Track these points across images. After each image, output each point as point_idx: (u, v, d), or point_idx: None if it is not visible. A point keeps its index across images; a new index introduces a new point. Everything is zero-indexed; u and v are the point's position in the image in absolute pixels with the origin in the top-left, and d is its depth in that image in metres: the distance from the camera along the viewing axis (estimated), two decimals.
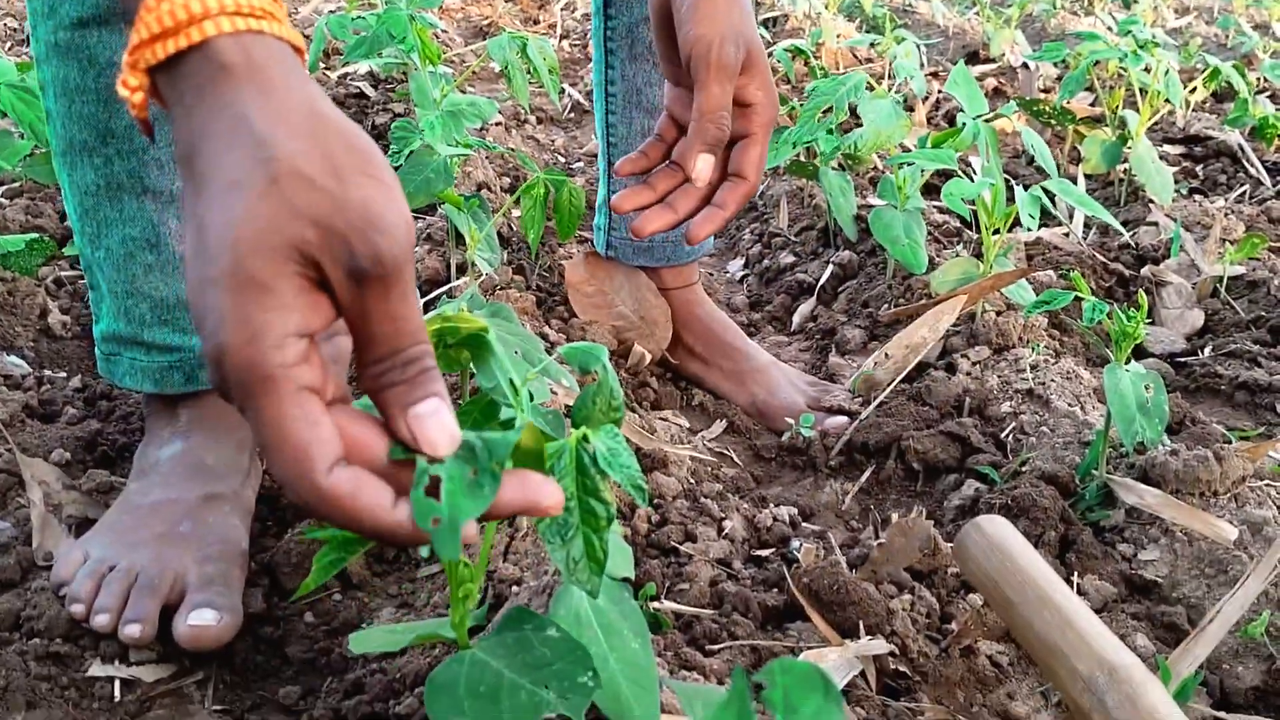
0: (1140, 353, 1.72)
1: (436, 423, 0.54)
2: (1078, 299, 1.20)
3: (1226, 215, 1.93)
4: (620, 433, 0.81)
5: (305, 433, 0.50)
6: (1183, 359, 1.69)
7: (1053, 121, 2.24)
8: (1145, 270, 1.82)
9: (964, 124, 1.58)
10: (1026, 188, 1.46)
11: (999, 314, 1.50)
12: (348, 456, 0.54)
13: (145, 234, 1.10)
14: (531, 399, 0.88)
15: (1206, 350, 1.69)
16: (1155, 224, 1.96)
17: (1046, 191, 1.46)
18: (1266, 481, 1.16)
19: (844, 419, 1.43)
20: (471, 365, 0.89)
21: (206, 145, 0.53)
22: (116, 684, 0.99)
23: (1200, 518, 1.10)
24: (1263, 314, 1.72)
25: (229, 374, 0.50)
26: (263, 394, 0.50)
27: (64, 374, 1.44)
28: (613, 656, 0.81)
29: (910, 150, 1.61)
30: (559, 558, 0.75)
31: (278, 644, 1.07)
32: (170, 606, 1.02)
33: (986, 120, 1.61)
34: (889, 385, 1.44)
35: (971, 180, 1.47)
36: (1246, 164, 2.34)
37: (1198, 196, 2.12)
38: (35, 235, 1.54)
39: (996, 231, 1.51)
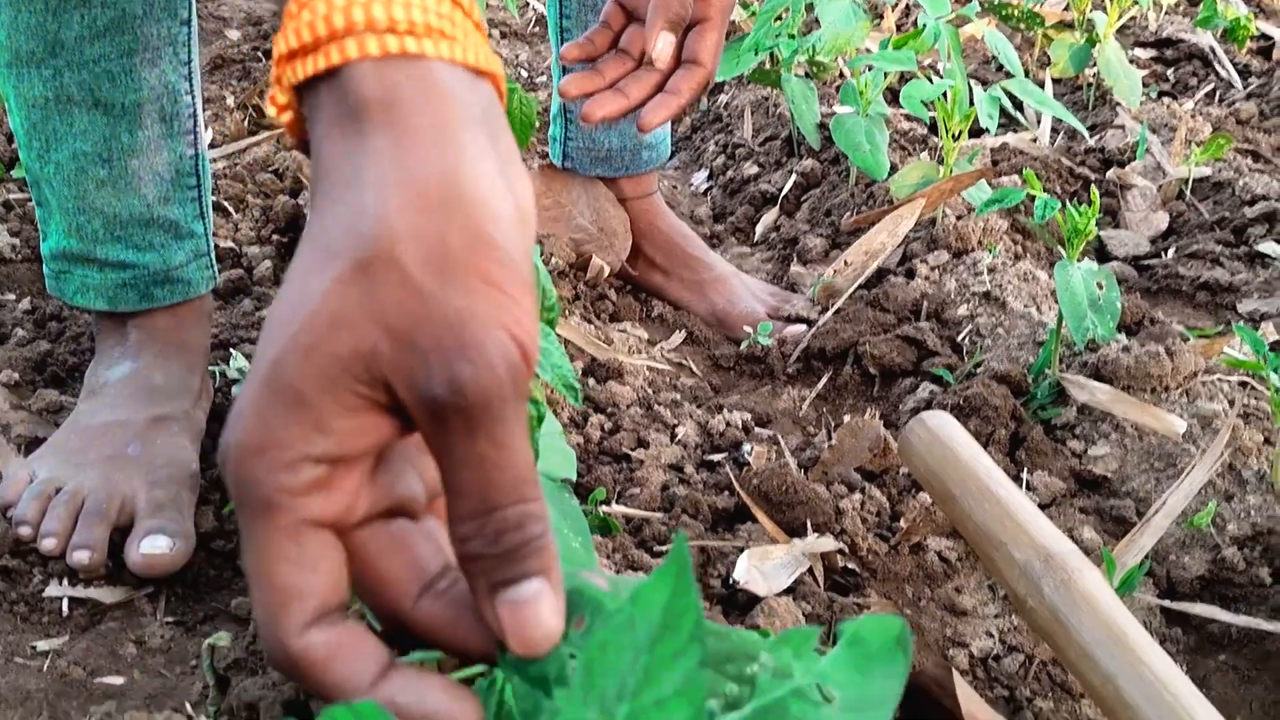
0: (1104, 256, 1.72)
1: (531, 615, 0.41)
2: (1031, 197, 1.18)
3: (1193, 117, 1.91)
4: (552, 333, 0.80)
5: (288, 577, 0.41)
6: (1146, 261, 1.68)
7: (1021, 25, 2.20)
8: (1110, 174, 1.81)
9: (925, 25, 1.55)
10: None
11: (959, 218, 1.49)
12: (372, 593, 0.44)
13: (97, 149, 1.07)
14: None
15: (1170, 252, 1.68)
16: (1122, 127, 1.93)
17: (1010, 94, 1.44)
18: (1219, 376, 1.16)
19: (803, 327, 1.43)
20: None
21: (318, 199, 0.42)
22: (65, 600, 0.99)
23: (1150, 412, 1.10)
24: (1227, 215, 1.71)
25: (229, 478, 0.41)
26: (256, 517, 0.41)
27: (13, 296, 1.42)
28: None
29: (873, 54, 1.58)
30: None
31: (230, 556, 1.07)
32: (120, 530, 1.02)
33: (949, 22, 1.58)
34: (847, 292, 1.43)
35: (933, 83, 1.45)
36: (1218, 66, 2.31)
37: (1167, 99, 2.09)
38: None
39: (957, 136, 1.49)
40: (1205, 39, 2.36)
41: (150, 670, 0.95)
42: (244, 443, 0.41)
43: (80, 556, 0.98)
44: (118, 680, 0.93)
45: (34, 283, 1.49)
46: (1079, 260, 1.14)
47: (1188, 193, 1.79)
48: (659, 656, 0.38)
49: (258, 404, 0.41)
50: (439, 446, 0.41)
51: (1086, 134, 1.69)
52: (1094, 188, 1.17)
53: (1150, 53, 2.41)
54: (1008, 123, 2.08)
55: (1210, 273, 1.57)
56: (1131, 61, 2.32)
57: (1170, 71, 2.36)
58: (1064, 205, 1.11)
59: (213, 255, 1.20)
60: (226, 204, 1.63)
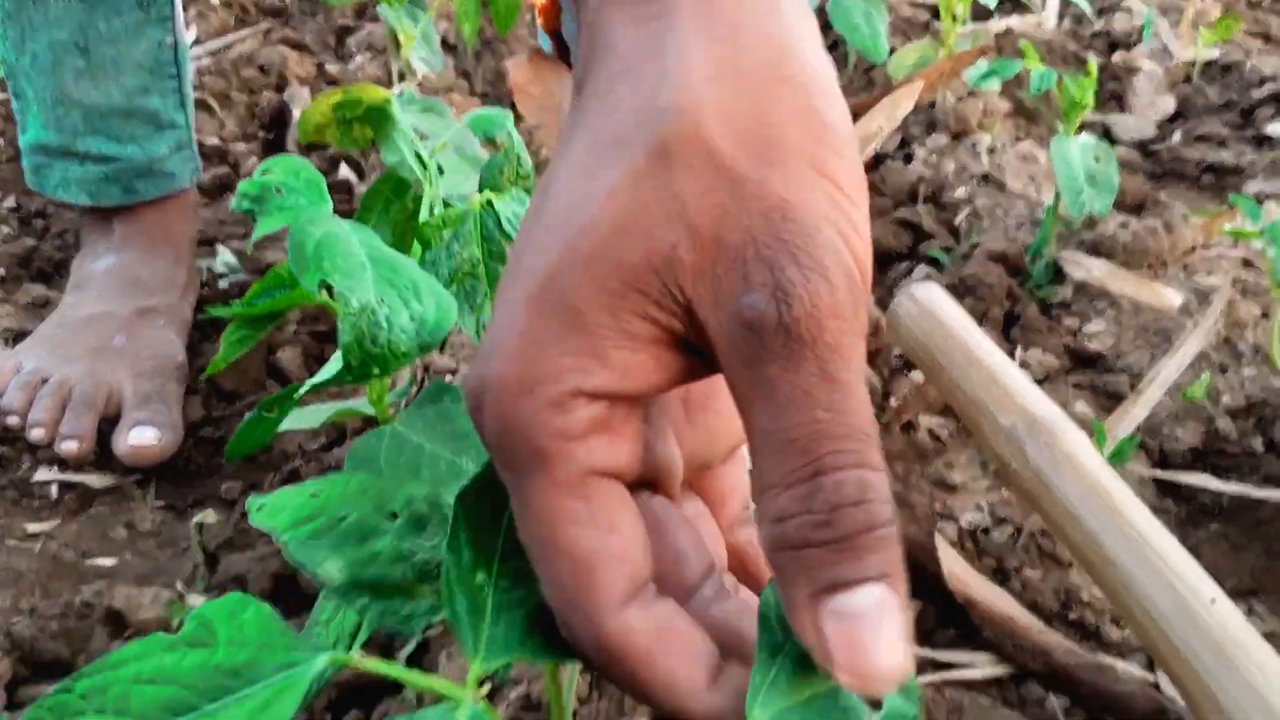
0: (1109, 140, 1.68)
1: (872, 637, 0.29)
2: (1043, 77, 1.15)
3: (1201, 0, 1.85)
4: (526, 197, 0.78)
5: (587, 542, 0.32)
6: (1152, 146, 1.65)
7: None
8: (1116, 57, 1.76)
9: None
10: None
11: (959, 100, 1.46)
12: (664, 575, 0.34)
13: (74, 38, 1.05)
14: (441, 172, 0.85)
15: (1176, 136, 1.64)
16: (1130, 10, 1.88)
17: None
18: (1218, 252, 1.14)
19: None
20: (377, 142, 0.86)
21: (597, 82, 0.33)
22: (55, 485, 1.00)
23: (1145, 286, 1.08)
24: (1234, 97, 1.67)
25: (486, 424, 0.32)
26: (530, 472, 0.32)
27: None
28: None
29: None
30: (469, 325, 0.74)
31: (218, 443, 1.07)
32: (108, 420, 1.02)
33: None
34: None
35: None
36: None
37: None
38: None
39: (957, 16, 1.45)
40: None
41: (141, 552, 0.95)
42: (506, 377, 0.31)
43: (69, 446, 0.98)
44: (109, 561, 0.93)
45: (18, 181, 1.47)
46: (1077, 135, 1.11)
47: (1195, 76, 1.74)
48: None
49: (520, 328, 0.31)
50: (749, 382, 0.30)
51: (1092, 16, 1.64)
52: (1091, 61, 1.13)
53: None
54: (1014, 6, 2.02)
55: (1216, 155, 1.54)
56: None
57: None
58: (1061, 78, 1.08)
59: (195, 147, 1.18)
60: (211, 101, 1.60)
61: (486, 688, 0.34)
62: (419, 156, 0.81)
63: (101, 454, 1.02)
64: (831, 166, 0.31)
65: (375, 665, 0.34)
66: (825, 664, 0.30)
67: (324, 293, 0.73)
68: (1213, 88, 1.73)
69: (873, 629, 0.29)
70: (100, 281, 1.12)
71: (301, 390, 0.65)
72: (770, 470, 0.30)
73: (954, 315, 0.90)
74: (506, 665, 0.35)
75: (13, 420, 1.00)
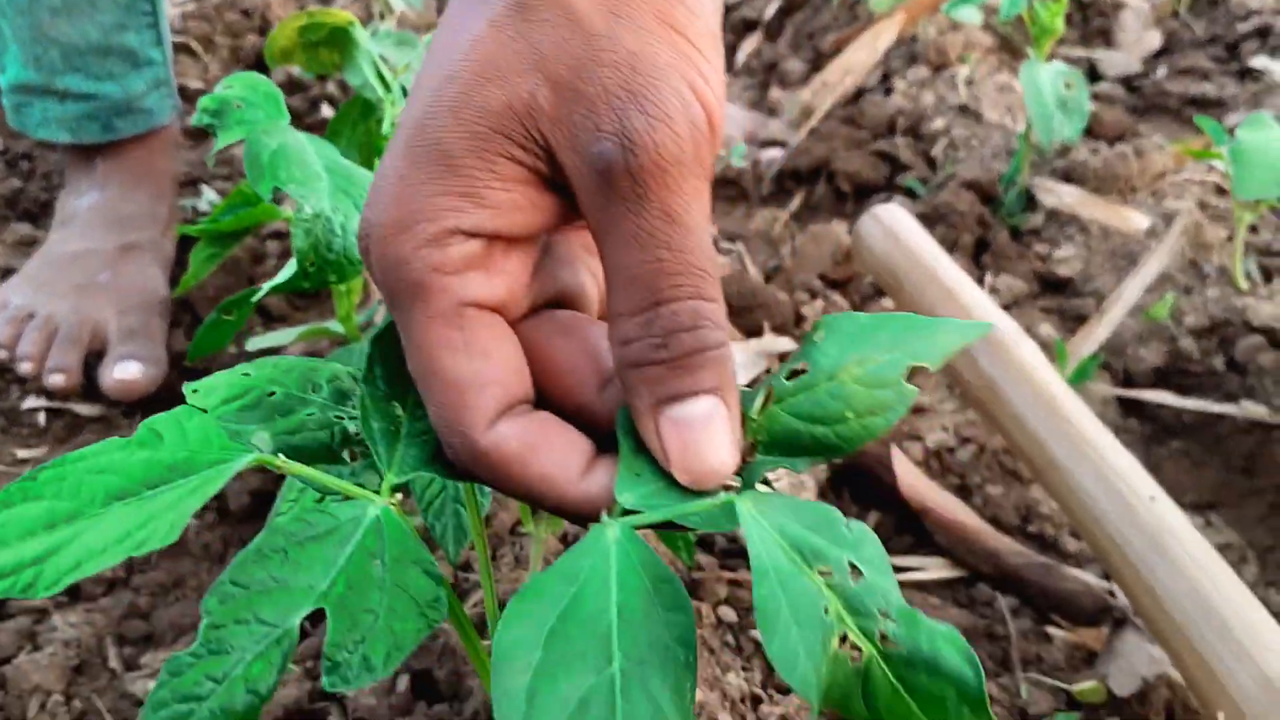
0: (1095, 77, 1.68)
1: (702, 441, 0.34)
2: None
3: None
4: None
5: (458, 367, 0.34)
6: (1137, 81, 1.65)
7: None
8: None
9: None
10: None
11: (941, 34, 1.46)
12: (547, 385, 0.37)
13: None
14: (405, 93, 0.86)
15: (1161, 70, 1.64)
16: None
17: None
18: (1186, 177, 1.14)
19: (779, 151, 1.41)
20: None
21: None
22: (43, 413, 1.02)
23: (1114, 211, 1.09)
24: (1220, 32, 1.67)
25: (373, 264, 0.35)
26: (410, 305, 0.35)
27: None
28: None
29: None
30: None
31: (200, 374, 1.09)
32: (94, 354, 1.04)
33: None
34: (823, 110, 1.41)
35: None
36: None
37: None
38: None
39: None
40: None
41: None
42: (386, 219, 0.34)
43: (56, 379, 1.01)
44: None
45: (3, 124, 1.49)
46: (1050, 62, 1.12)
47: (1182, 10, 1.74)
48: None
49: (400, 172, 0.34)
50: (601, 220, 0.33)
51: None
52: None
53: None
54: None
55: (1199, 88, 1.53)
56: None
57: None
58: (1031, 3, 1.09)
59: (173, 84, 1.20)
60: (194, 45, 1.61)
61: (398, 496, 0.37)
62: (381, 77, 0.82)
63: (88, 384, 1.05)
64: (682, 22, 0.33)
65: (295, 468, 0.37)
66: (664, 463, 0.35)
67: (277, 210, 0.75)
68: (1199, 22, 1.72)
69: (703, 433, 0.34)
70: (84, 218, 1.13)
71: (256, 297, 0.67)
72: (619, 301, 0.34)
73: (915, 235, 0.91)
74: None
75: (0, 354, 1.03)
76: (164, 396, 1.07)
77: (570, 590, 0.33)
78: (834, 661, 0.33)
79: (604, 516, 0.35)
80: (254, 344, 0.95)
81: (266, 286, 0.65)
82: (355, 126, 0.86)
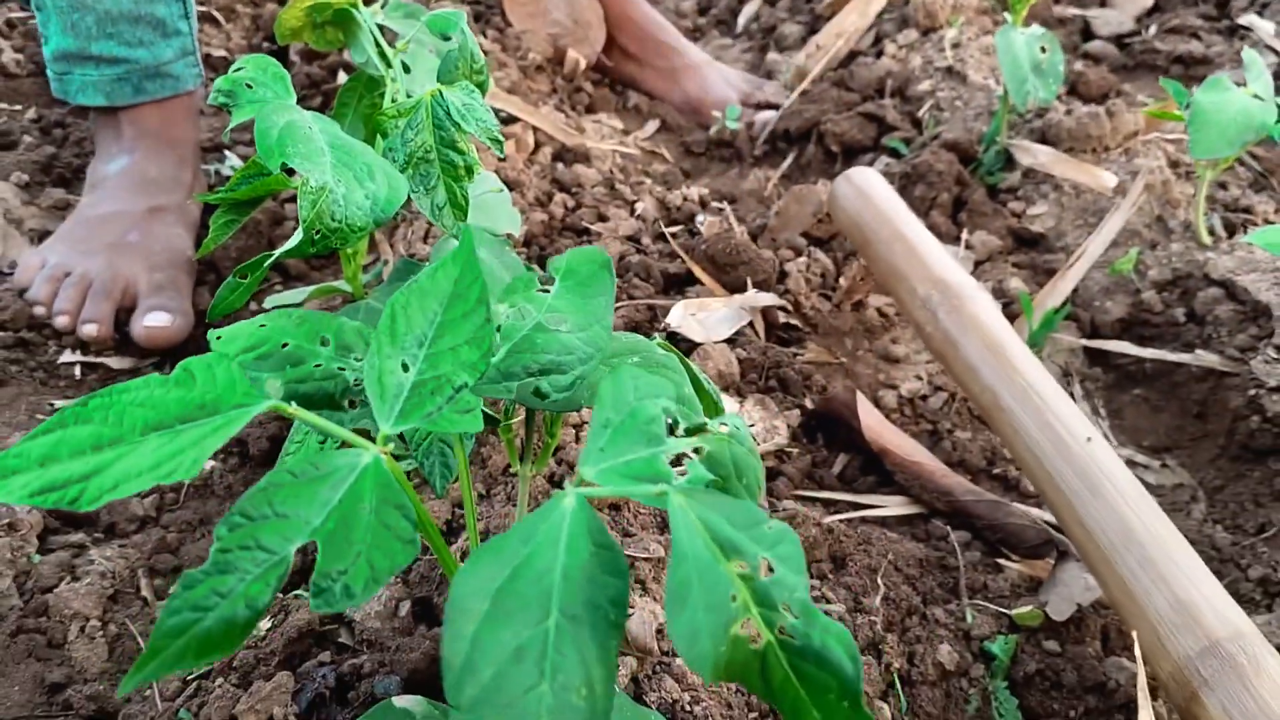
0: (1088, 35, 1.71)
1: None
2: None
3: None
4: (477, 91, 0.86)
5: None
6: (1128, 39, 1.68)
7: None
8: None
9: None
10: None
11: None
12: None
13: None
14: (407, 70, 0.92)
15: (1152, 29, 1.68)
16: None
17: None
18: (1160, 135, 1.19)
19: (773, 113, 1.46)
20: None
21: None
22: (78, 366, 1.10)
23: (1084, 169, 1.14)
24: None
25: None
26: None
27: (19, 107, 1.49)
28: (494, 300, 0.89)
29: None
30: (424, 205, 0.81)
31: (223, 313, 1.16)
32: (124, 309, 1.12)
33: None
34: (815, 73, 1.46)
35: None
36: None
37: None
38: None
39: None
40: None
41: None
42: None
43: (89, 329, 1.09)
44: None
45: (39, 95, 1.56)
46: (1025, 26, 1.16)
47: None
48: (451, 316, 0.46)
49: None
50: None
51: None
52: None
53: None
54: None
55: (1186, 46, 1.57)
56: None
57: None
58: None
59: (199, 55, 1.27)
60: (217, 14, 1.67)
61: (391, 446, 0.44)
62: (383, 55, 0.89)
63: (120, 339, 1.13)
64: None
65: (305, 415, 0.44)
66: None
67: (287, 180, 0.82)
68: None
69: None
70: (114, 182, 1.20)
71: (269, 261, 0.74)
72: None
73: (884, 195, 0.97)
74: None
75: (39, 310, 1.11)
76: (190, 348, 1.15)
77: (524, 551, 0.39)
78: (734, 643, 0.38)
79: (566, 485, 0.41)
80: (271, 301, 1.02)
81: (278, 252, 0.72)
82: (360, 100, 0.92)
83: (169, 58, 1.22)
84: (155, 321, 1.11)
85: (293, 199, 1.30)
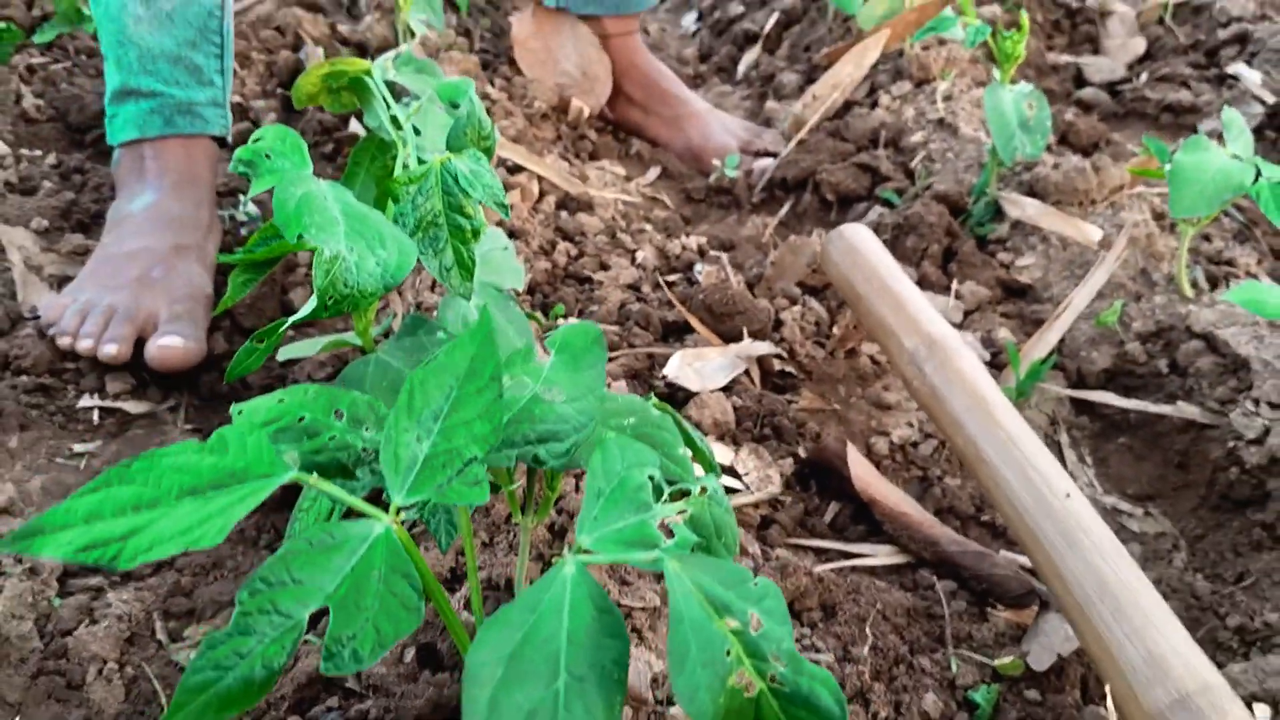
0: (1081, 82, 1.76)
1: None
2: (1002, 30, 1.24)
3: None
4: (484, 158, 0.90)
5: None
6: (1120, 86, 1.72)
7: None
8: (1091, 1, 1.83)
9: None
10: None
11: (925, 49, 1.54)
12: None
13: None
14: (417, 132, 0.96)
15: (1142, 76, 1.72)
16: None
17: None
18: (1144, 188, 1.23)
19: (771, 160, 1.50)
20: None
21: None
22: (96, 410, 1.14)
23: (1071, 223, 1.18)
24: (1202, 38, 1.74)
25: None
26: None
27: (40, 152, 1.54)
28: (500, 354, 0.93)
29: None
30: (433, 267, 0.85)
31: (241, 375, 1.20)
32: (145, 339, 1.17)
33: None
34: (811, 123, 1.50)
35: None
36: None
37: None
38: (4, 26, 1.61)
39: None
40: None
41: None
42: None
43: (109, 349, 1.13)
44: None
45: (59, 140, 1.61)
46: (1013, 83, 1.20)
47: (1167, 18, 1.81)
48: (466, 391, 0.49)
49: None
50: None
51: None
52: (1023, 14, 1.22)
53: None
54: None
55: (1176, 95, 1.61)
56: None
57: None
58: (994, 32, 1.17)
59: (229, 109, 1.34)
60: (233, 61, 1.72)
61: (403, 515, 0.48)
62: (395, 120, 0.93)
63: (138, 384, 1.17)
64: None
65: (325, 486, 0.47)
66: None
67: (305, 242, 0.86)
68: (1183, 29, 1.79)
69: None
70: (138, 219, 1.26)
71: (284, 326, 0.78)
72: None
73: (874, 251, 1.01)
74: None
75: (65, 341, 1.15)
76: (204, 392, 1.19)
77: (530, 618, 0.43)
78: (731, 693, 0.43)
79: (567, 543, 0.45)
80: (285, 353, 1.06)
81: (294, 318, 0.76)
82: (373, 161, 0.96)
83: (200, 100, 1.31)
84: (168, 343, 1.15)
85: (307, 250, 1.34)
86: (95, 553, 0.44)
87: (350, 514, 0.51)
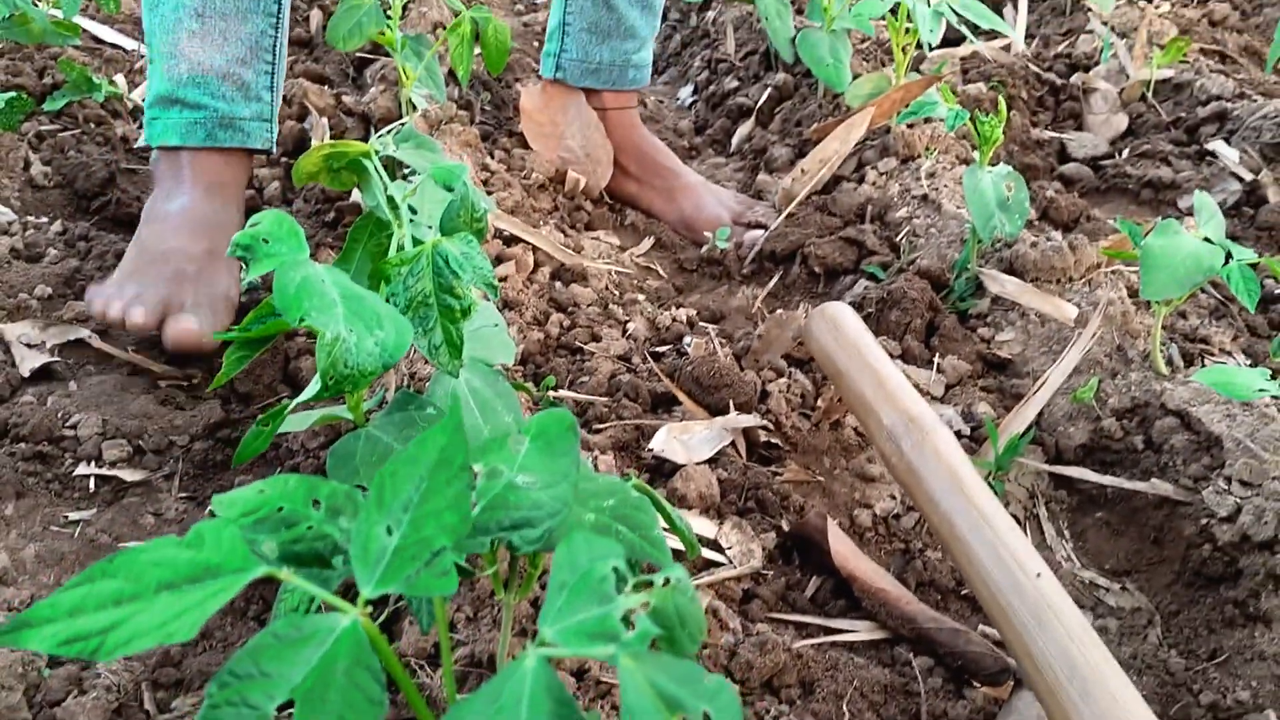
0: (1064, 158, 1.80)
1: None
2: (999, 112, 1.28)
3: (1159, 19, 1.96)
4: (474, 239, 0.93)
5: None
6: (1103, 162, 1.76)
7: None
8: (1075, 78, 1.87)
9: None
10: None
11: (910, 127, 1.58)
12: None
13: (194, 6, 1.30)
14: (413, 212, 1.00)
15: (1124, 153, 1.76)
16: (1092, 32, 1.99)
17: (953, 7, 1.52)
18: (1120, 268, 1.26)
19: (760, 233, 1.54)
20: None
21: None
22: (92, 478, 1.16)
23: (1048, 301, 1.21)
24: (1183, 115, 1.78)
25: None
26: None
27: (46, 219, 1.58)
28: (487, 429, 0.95)
29: None
30: (422, 345, 0.88)
31: (234, 442, 1.22)
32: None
33: None
34: (800, 197, 1.54)
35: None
36: None
37: (1142, 2, 2.14)
38: (15, 94, 1.66)
39: (919, 47, 1.58)
40: None
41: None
42: None
43: (135, 315, 1.22)
44: (138, 545, 1.09)
45: (65, 206, 1.65)
46: (993, 165, 1.24)
47: (1149, 95, 1.85)
48: (435, 482, 0.52)
49: None
50: None
51: (1013, 35, 1.79)
52: (1001, 97, 1.26)
53: None
54: (990, 31, 2.13)
55: (1156, 171, 1.65)
56: None
57: None
58: (973, 116, 1.21)
59: (275, 123, 1.40)
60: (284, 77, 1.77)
61: (369, 609, 0.50)
62: (391, 200, 0.96)
63: (134, 451, 1.19)
64: None
65: (294, 580, 0.49)
66: None
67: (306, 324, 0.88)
68: (1165, 105, 1.84)
69: None
70: (175, 220, 1.33)
71: (290, 408, 0.80)
72: None
73: (853, 328, 1.04)
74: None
75: (97, 311, 1.26)
76: (197, 458, 1.20)
77: (491, 710, 0.45)
78: None
79: (526, 645, 0.47)
80: (266, 415, 1.08)
81: (297, 400, 0.78)
82: (370, 238, 1.00)
83: (245, 115, 1.36)
84: (186, 324, 1.21)
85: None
86: (77, 646, 0.46)
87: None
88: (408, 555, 0.51)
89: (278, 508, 0.56)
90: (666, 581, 0.50)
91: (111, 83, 1.92)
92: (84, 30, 2.08)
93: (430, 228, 0.97)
